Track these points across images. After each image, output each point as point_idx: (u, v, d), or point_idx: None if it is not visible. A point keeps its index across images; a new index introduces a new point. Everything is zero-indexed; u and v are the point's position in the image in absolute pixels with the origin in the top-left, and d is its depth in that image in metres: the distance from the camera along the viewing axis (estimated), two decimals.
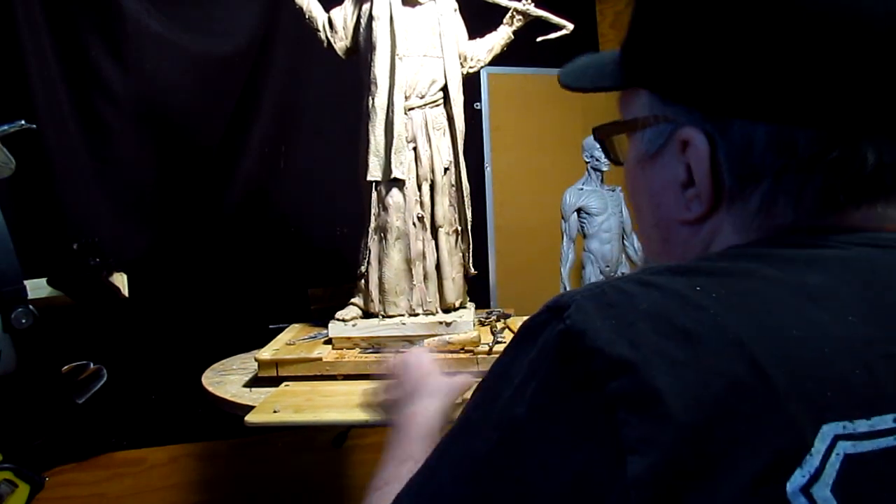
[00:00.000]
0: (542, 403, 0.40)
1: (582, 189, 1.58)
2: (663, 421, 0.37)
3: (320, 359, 1.18)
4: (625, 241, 1.63)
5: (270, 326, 1.45)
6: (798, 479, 0.37)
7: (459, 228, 1.39)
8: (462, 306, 1.41)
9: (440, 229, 1.35)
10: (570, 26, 1.41)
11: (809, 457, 0.37)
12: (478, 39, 1.41)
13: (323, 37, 1.35)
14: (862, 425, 0.38)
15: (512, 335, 0.56)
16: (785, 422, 0.37)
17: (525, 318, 0.51)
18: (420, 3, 1.31)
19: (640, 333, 0.39)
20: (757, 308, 0.41)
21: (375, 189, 1.30)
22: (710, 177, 0.47)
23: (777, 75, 0.43)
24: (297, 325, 1.47)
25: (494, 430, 0.42)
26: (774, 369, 0.38)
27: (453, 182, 1.37)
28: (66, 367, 0.98)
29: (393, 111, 1.26)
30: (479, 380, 0.47)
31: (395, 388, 0.88)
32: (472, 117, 1.97)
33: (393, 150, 1.26)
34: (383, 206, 1.29)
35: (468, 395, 0.51)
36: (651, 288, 0.42)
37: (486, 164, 2.05)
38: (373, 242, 1.31)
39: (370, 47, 1.28)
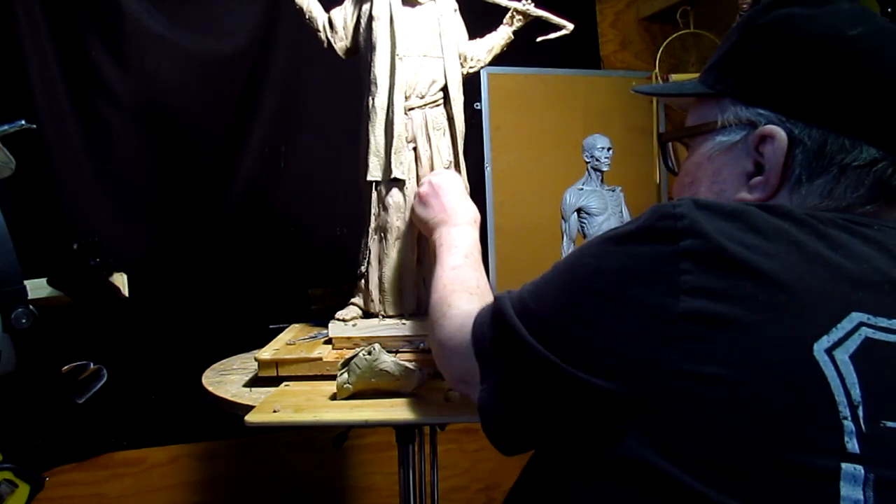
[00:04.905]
0: (630, 244, 0.54)
1: (582, 189, 1.58)
2: (718, 278, 0.49)
3: (320, 359, 1.18)
4: None
5: (270, 326, 1.45)
6: (824, 342, 0.47)
7: None
8: None
9: None
10: (571, 26, 1.41)
11: (836, 329, 0.48)
12: (478, 40, 1.41)
13: (323, 37, 1.35)
14: (882, 322, 0.49)
15: None
16: (822, 301, 0.49)
17: None
18: (420, 3, 1.31)
19: (720, 220, 0.52)
20: (813, 232, 0.53)
21: (375, 189, 1.30)
22: (782, 166, 0.60)
23: (855, 102, 0.58)
24: (297, 325, 1.47)
25: (592, 257, 0.57)
26: (821, 267, 0.50)
27: None
28: (66, 367, 0.98)
29: (393, 111, 1.26)
30: None
31: (431, 207, 1.08)
32: (472, 117, 1.97)
33: (393, 151, 1.26)
34: (383, 206, 1.29)
35: None
36: (738, 203, 0.55)
37: (486, 164, 2.05)
38: (373, 242, 1.31)
39: (370, 47, 1.28)
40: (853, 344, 0.47)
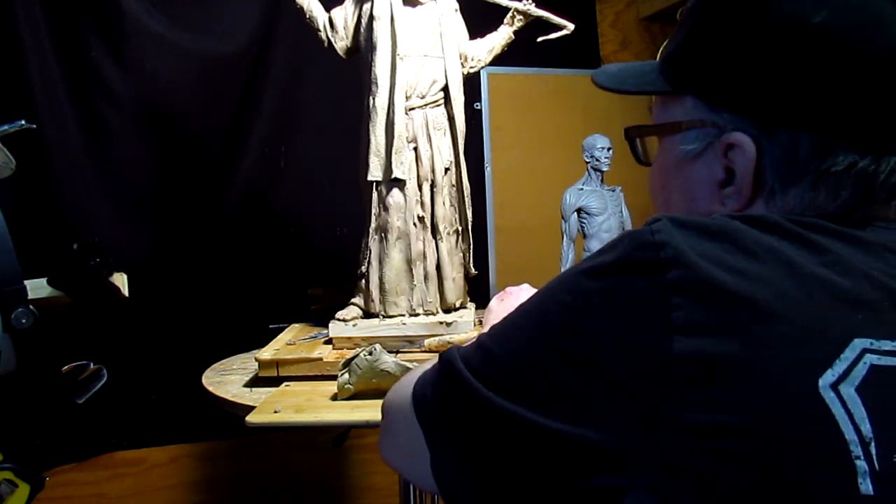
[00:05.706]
0: (611, 279, 0.48)
1: (582, 189, 1.57)
2: (711, 311, 0.45)
3: (321, 359, 1.18)
4: None
5: (270, 326, 1.45)
6: (829, 377, 0.43)
7: (460, 228, 1.39)
8: (462, 306, 1.41)
9: (440, 229, 1.35)
10: (571, 26, 1.41)
11: (839, 361, 0.44)
12: (478, 40, 1.41)
13: (323, 37, 1.35)
14: (887, 344, 0.45)
15: None
16: (821, 331, 0.45)
17: None
18: (421, 3, 1.31)
19: (705, 241, 0.48)
20: (805, 245, 0.49)
21: (376, 189, 1.30)
22: (752, 176, 0.54)
23: (825, 99, 0.52)
24: (297, 325, 1.47)
25: (566, 294, 0.51)
26: (817, 289, 0.46)
27: (454, 182, 1.37)
28: (66, 367, 0.98)
29: (394, 111, 1.26)
30: None
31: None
32: (473, 117, 1.97)
33: (394, 151, 1.26)
34: (384, 206, 1.29)
35: None
36: (722, 219, 0.50)
37: (486, 164, 2.05)
38: (373, 242, 1.31)
39: (371, 47, 1.28)
40: (858, 375, 0.44)
